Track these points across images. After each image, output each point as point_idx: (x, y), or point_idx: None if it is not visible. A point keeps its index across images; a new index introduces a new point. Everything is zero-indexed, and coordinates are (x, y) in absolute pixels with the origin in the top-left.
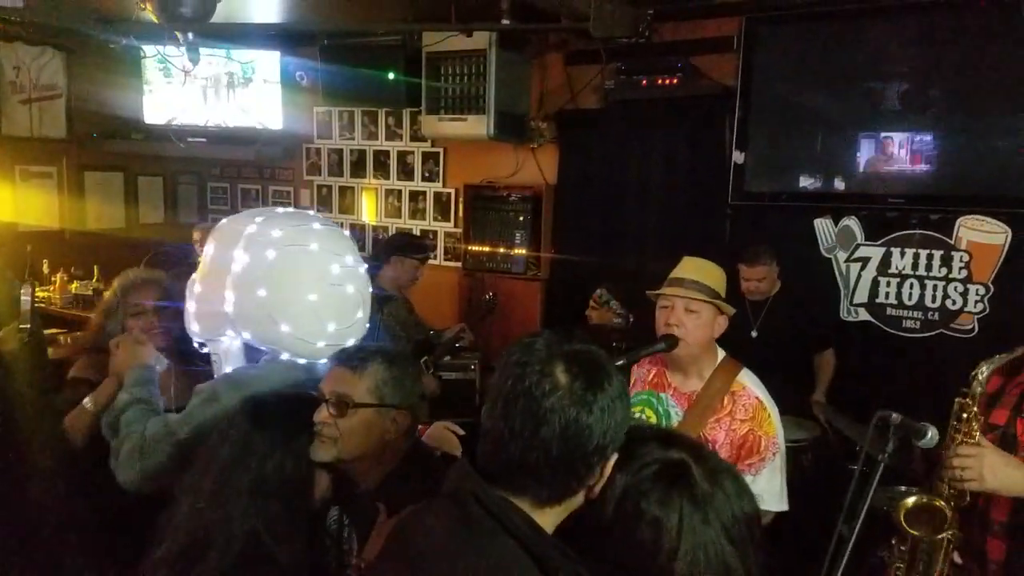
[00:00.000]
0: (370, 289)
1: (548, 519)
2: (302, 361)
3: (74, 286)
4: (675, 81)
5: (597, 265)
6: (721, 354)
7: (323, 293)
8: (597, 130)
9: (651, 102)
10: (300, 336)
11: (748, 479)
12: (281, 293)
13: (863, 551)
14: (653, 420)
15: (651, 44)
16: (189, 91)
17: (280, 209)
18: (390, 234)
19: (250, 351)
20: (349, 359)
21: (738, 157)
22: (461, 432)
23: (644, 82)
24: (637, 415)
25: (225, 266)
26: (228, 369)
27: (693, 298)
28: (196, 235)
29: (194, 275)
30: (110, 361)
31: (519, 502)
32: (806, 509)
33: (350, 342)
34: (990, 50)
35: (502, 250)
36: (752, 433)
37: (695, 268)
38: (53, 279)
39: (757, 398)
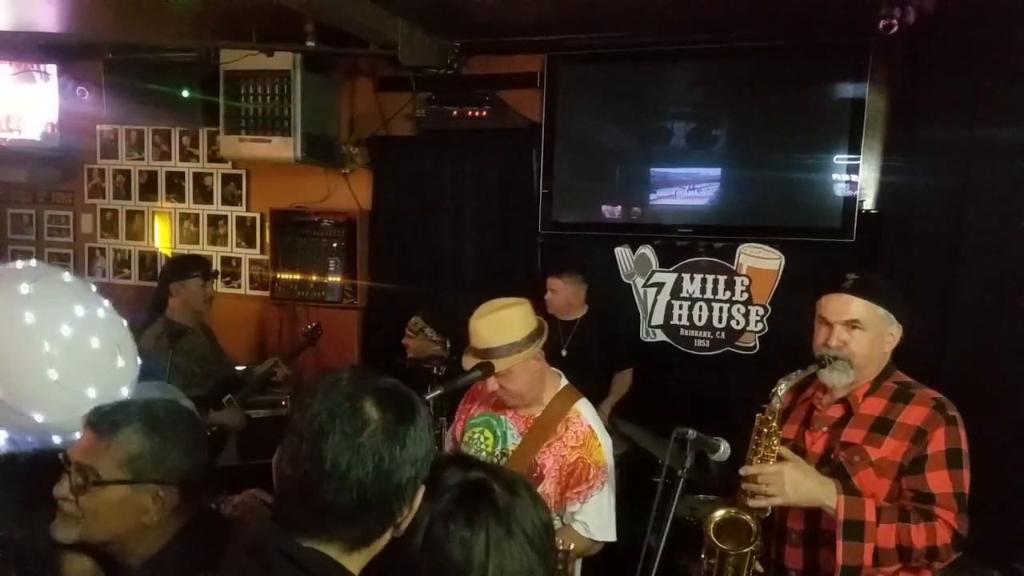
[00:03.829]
0: (126, 330)
1: (356, 564)
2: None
3: None
4: (484, 113)
5: (415, 292)
6: (564, 382)
7: (61, 368)
8: (410, 158)
9: (462, 133)
10: (55, 420)
11: (575, 507)
12: (10, 385)
13: (671, 559)
14: (490, 442)
15: (460, 76)
16: None
17: None
18: None
19: None
20: (98, 421)
21: (544, 188)
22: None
23: (455, 113)
24: (476, 436)
25: None
26: None
27: (510, 368)
28: None
29: None
30: None
31: (327, 550)
32: (617, 523)
33: (124, 392)
34: (764, 93)
35: (315, 278)
36: (581, 461)
37: (498, 328)
38: None
39: (589, 426)
